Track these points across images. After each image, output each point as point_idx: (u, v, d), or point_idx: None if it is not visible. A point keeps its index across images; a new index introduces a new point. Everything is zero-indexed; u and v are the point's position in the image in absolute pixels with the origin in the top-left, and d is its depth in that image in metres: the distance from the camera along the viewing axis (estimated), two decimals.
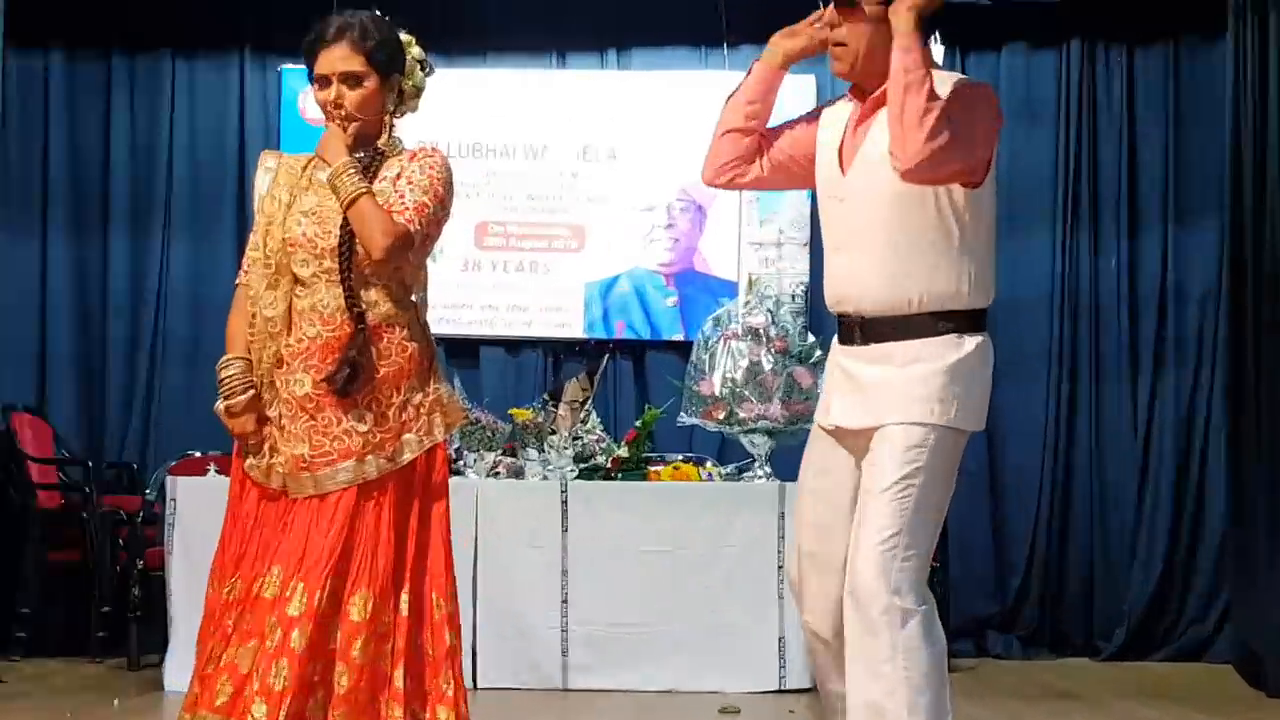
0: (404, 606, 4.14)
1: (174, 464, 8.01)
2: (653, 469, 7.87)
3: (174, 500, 7.31)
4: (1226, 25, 8.13)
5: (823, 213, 4.31)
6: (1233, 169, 8.10)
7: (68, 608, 8.41)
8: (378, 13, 4.24)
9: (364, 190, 4.03)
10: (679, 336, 9.26)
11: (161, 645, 7.32)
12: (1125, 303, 9.38)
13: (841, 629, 4.10)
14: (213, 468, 7.67)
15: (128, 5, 9.24)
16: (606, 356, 9.06)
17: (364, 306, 4.12)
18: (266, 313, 4.16)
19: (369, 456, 4.12)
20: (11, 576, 8.05)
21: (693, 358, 8.08)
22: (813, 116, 4.47)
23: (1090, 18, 9.28)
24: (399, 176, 4.17)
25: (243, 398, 4.12)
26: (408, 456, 4.18)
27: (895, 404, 4.02)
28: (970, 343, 4.04)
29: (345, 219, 4.09)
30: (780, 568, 7.14)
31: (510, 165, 9.55)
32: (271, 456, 4.15)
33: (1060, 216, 9.41)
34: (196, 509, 7.13)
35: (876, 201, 4.09)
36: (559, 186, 9.44)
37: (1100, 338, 9.38)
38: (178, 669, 6.81)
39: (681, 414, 7.97)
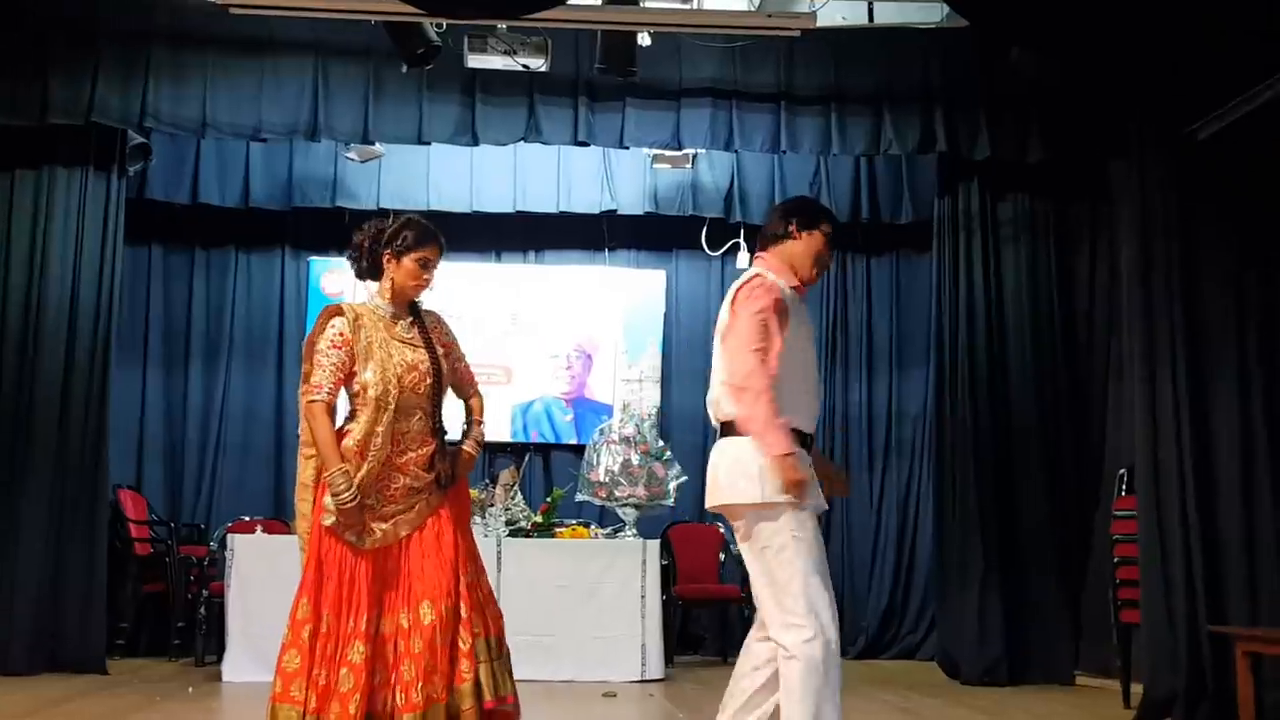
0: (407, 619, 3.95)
1: (231, 524, 7.83)
2: (559, 530, 7.72)
3: (231, 550, 7.15)
4: (931, 245, 8.12)
5: (810, 364, 3.94)
6: (936, 338, 8.03)
7: (154, 623, 8.29)
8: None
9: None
10: (574, 441, 9.01)
11: (219, 650, 7.17)
12: (865, 419, 9.27)
13: None
14: (259, 528, 7.50)
15: (205, 216, 8.97)
16: (527, 455, 8.96)
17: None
18: (378, 438, 3.91)
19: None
20: (116, 601, 7.79)
21: (585, 456, 7.98)
22: (780, 312, 3.80)
23: (845, 238, 8.97)
24: (438, 327, 4.15)
25: (352, 505, 3.84)
26: None
27: None
28: None
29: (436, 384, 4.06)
30: (643, 598, 7.08)
31: (462, 325, 9.11)
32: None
33: (825, 363, 9.18)
34: (248, 555, 7.08)
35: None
36: (496, 340, 9.09)
37: (850, 442, 9.25)
38: (231, 667, 6.87)
39: (579, 493, 7.86)
